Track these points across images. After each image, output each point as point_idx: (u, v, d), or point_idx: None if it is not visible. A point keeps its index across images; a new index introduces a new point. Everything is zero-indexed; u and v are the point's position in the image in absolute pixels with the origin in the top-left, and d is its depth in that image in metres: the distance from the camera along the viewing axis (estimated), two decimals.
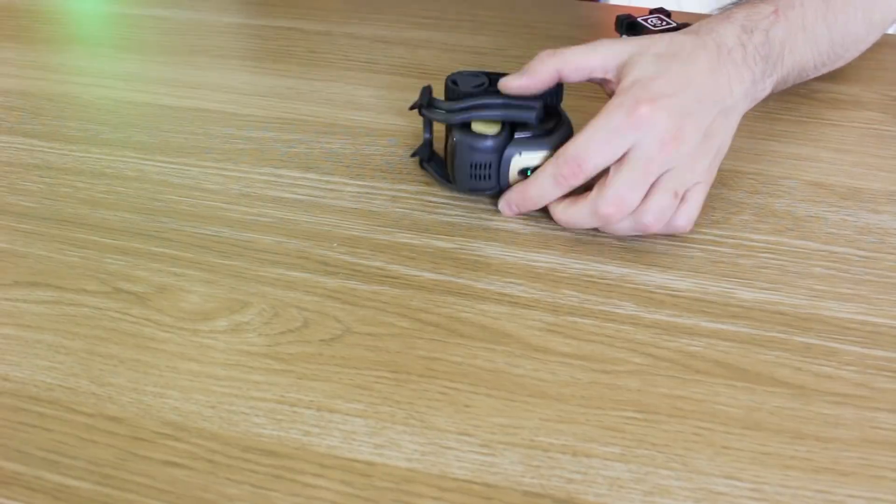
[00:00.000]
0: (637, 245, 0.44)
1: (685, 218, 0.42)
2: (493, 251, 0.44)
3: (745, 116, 0.55)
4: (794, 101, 0.57)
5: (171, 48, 0.65)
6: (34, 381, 0.36)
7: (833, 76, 0.60)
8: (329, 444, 0.34)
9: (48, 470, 0.33)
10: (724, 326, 0.39)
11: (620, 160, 0.41)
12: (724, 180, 0.49)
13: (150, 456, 0.33)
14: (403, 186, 0.48)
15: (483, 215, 0.46)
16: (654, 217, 0.41)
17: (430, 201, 0.47)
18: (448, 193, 0.48)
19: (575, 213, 0.43)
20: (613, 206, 0.41)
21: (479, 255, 0.43)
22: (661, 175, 0.41)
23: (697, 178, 0.42)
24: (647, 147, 0.40)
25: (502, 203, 0.46)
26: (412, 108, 0.46)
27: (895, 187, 0.49)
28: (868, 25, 0.52)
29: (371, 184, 0.49)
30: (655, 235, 0.44)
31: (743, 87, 0.43)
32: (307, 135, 0.54)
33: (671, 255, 0.43)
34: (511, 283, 0.41)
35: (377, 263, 0.43)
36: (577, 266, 0.43)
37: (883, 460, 0.33)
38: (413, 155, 0.49)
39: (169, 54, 0.64)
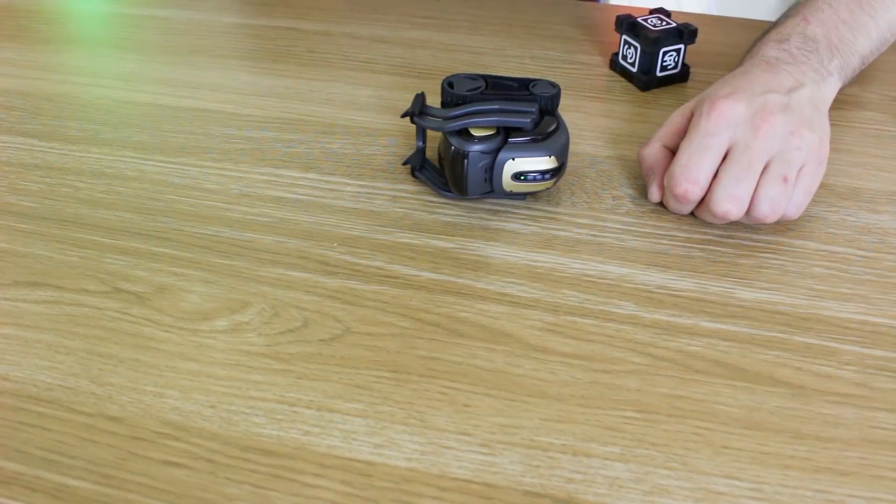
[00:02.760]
0: (637, 245, 0.44)
1: (794, 206, 0.42)
2: (493, 251, 0.44)
3: None
4: None
5: (171, 48, 0.65)
6: (34, 381, 0.36)
7: None
8: (329, 444, 0.34)
9: (48, 470, 0.33)
10: (723, 326, 0.39)
11: (725, 159, 0.42)
12: None
13: (149, 456, 0.33)
14: (403, 186, 0.48)
15: (483, 215, 0.46)
16: (769, 208, 0.41)
17: (431, 201, 0.47)
18: (448, 193, 0.48)
19: (702, 214, 0.44)
20: (727, 203, 0.41)
21: (479, 255, 0.43)
22: (769, 162, 0.41)
23: (805, 158, 0.42)
24: (743, 137, 0.41)
25: (651, 191, 0.45)
26: (404, 115, 0.46)
27: (895, 187, 0.49)
28: None
29: (371, 184, 0.49)
30: (651, 228, 0.44)
31: (808, 77, 0.45)
32: (307, 135, 0.53)
33: (671, 255, 0.43)
34: (511, 283, 0.41)
35: (377, 263, 0.43)
36: (577, 266, 0.43)
37: (883, 460, 0.33)
38: (405, 163, 0.48)
39: (169, 54, 0.64)
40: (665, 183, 0.44)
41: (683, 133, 0.44)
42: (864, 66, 0.53)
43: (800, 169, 0.42)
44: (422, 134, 0.48)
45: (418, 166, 0.48)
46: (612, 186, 0.48)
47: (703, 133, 0.42)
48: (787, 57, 0.46)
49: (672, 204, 0.45)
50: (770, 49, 0.47)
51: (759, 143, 0.41)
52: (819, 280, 0.42)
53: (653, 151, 0.46)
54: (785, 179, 0.41)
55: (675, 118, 0.46)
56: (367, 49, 0.65)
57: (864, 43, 0.51)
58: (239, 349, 0.38)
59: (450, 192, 0.47)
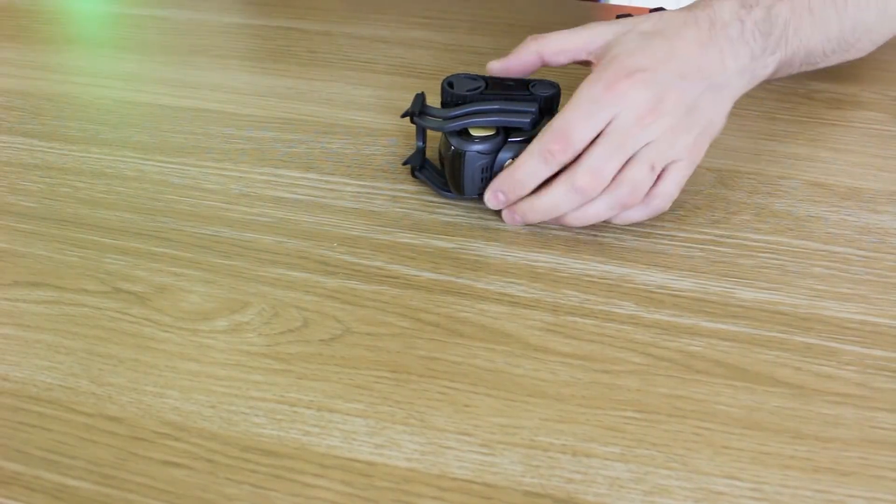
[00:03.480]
0: (637, 245, 0.44)
1: (662, 196, 0.42)
2: (493, 251, 0.44)
3: (746, 116, 0.55)
4: (793, 101, 0.57)
5: (171, 48, 0.65)
6: (34, 381, 0.36)
7: (833, 76, 0.60)
8: (329, 444, 0.34)
9: (48, 470, 0.33)
10: (724, 326, 0.39)
11: (600, 134, 0.40)
12: (724, 180, 0.49)
13: (149, 456, 0.33)
14: (404, 186, 0.48)
15: (483, 215, 0.46)
16: (629, 189, 0.40)
17: (431, 201, 0.47)
18: (448, 193, 0.48)
19: (554, 194, 0.42)
20: (589, 175, 0.40)
21: (479, 255, 0.43)
22: (640, 149, 0.40)
23: (678, 154, 0.41)
24: (625, 120, 0.40)
25: (488, 194, 0.44)
26: (404, 115, 0.46)
27: (895, 187, 0.49)
28: (881, 16, 0.51)
29: (371, 184, 0.49)
30: (651, 228, 0.44)
31: (739, 63, 0.43)
32: (307, 135, 0.53)
33: (671, 255, 0.43)
34: (511, 282, 0.41)
35: (377, 263, 0.43)
36: (578, 266, 0.43)
37: (883, 460, 0.33)
38: (405, 163, 0.48)
39: (169, 54, 0.64)
40: (540, 136, 0.42)
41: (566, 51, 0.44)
42: (811, 67, 0.50)
43: (672, 162, 0.41)
44: (422, 134, 0.48)
45: (418, 166, 0.48)
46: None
47: (594, 100, 0.40)
48: (736, 29, 0.43)
49: (533, 164, 0.42)
50: (729, 8, 0.43)
51: (638, 130, 0.40)
52: (819, 280, 0.42)
53: (528, 52, 0.45)
54: (652, 168, 0.40)
55: (575, 41, 0.44)
56: (367, 49, 0.65)
57: (817, 40, 0.47)
58: (239, 349, 0.38)
59: (449, 191, 0.47)
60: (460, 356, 0.37)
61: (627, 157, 0.40)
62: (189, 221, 0.46)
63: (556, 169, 0.42)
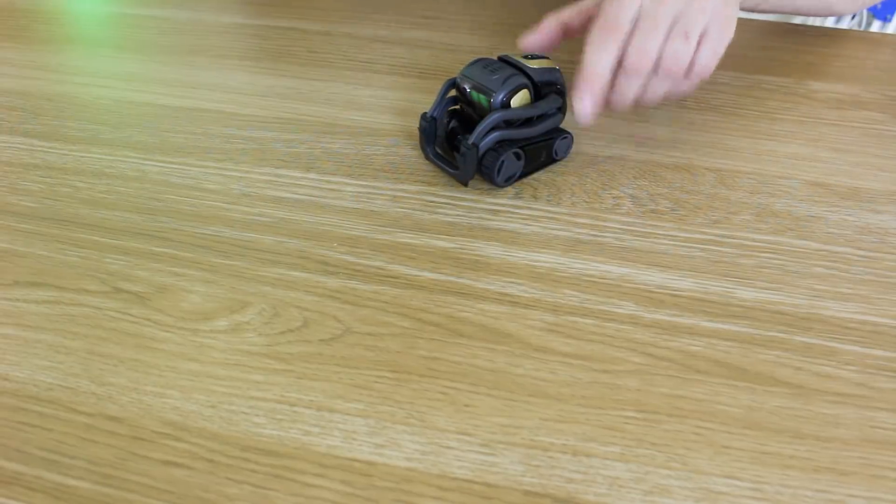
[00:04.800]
0: (637, 245, 0.44)
1: (700, 65, 0.46)
2: (493, 251, 0.44)
3: (746, 116, 0.55)
4: (793, 101, 0.57)
5: (170, 48, 0.65)
6: (34, 380, 0.36)
7: (833, 76, 0.60)
8: (329, 444, 0.34)
9: (48, 470, 0.33)
10: (724, 326, 0.39)
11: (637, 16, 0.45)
12: (724, 180, 0.49)
13: (150, 456, 0.33)
14: (404, 186, 0.48)
15: (484, 215, 0.46)
16: (672, 60, 0.45)
17: (431, 201, 0.47)
18: (449, 193, 0.48)
19: (618, 85, 0.46)
20: (634, 55, 0.45)
21: (479, 255, 0.43)
22: (672, 25, 0.45)
23: (706, 21, 0.45)
24: (649, 3, 0.45)
25: (577, 104, 0.46)
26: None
27: (895, 187, 0.49)
28: None
29: (372, 184, 0.49)
30: (651, 228, 0.44)
31: None
32: (308, 135, 0.54)
33: (671, 255, 0.43)
34: (511, 282, 0.41)
35: (377, 263, 0.43)
36: (578, 266, 0.43)
37: (883, 460, 0.33)
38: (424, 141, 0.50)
39: (169, 54, 0.64)
40: (591, 31, 0.46)
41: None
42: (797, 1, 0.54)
43: (704, 29, 0.45)
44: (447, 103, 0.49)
45: (432, 147, 0.50)
46: (612, 186, 0.48)
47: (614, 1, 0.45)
48: None
49: (594, 55, 0.46)
50: None
51: (665, 8, 0.45)
52: (819, 280, 0.42)
53: (549, 23, 0.50)
54: (686, 35, 0.45)
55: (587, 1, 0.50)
56: (368, 49, 0.65)
57: None
58: (239, 349, 0.38)
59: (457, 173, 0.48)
60: (461, 356, 0.37)
61: (665, 31, 0.45)
62: (190, 221, 0.46)
63: (615, 53, 0.45)
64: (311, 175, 0.50)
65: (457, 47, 0.65)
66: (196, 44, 0.66)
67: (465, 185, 0.48)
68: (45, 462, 0.33)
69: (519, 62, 0.46)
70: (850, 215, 0.46)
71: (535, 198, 0.47)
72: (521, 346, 0.38)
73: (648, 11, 0.45)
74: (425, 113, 0.48)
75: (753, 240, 0.44)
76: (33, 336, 0.39)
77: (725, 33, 0.46)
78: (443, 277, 0.42)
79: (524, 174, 0.49)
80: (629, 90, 0.46)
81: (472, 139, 0.45)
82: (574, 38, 0.50)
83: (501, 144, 0.46)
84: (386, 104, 0.57)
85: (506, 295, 0.41)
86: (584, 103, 0.46)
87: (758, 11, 0.57)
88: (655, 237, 0.44)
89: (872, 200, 0.47)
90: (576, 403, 0.35)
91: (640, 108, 0.50)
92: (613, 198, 0.48)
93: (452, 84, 0.48)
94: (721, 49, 0.47)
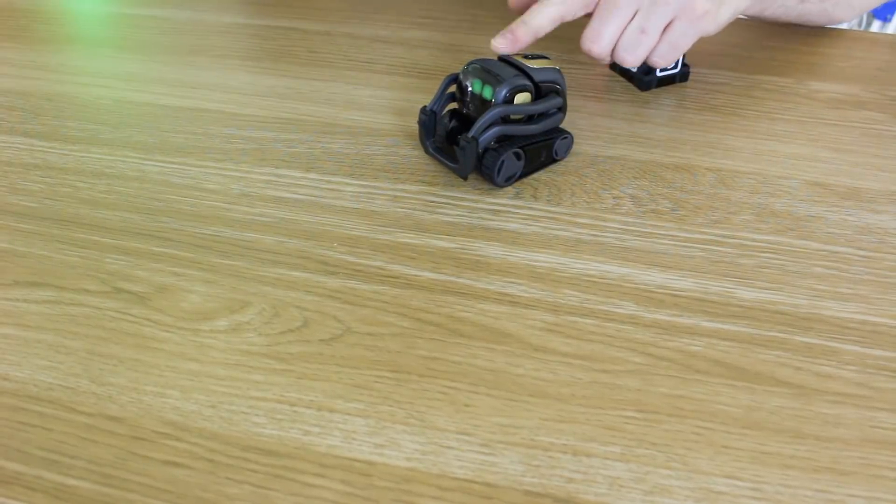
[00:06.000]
0: (637, 245, 0.44)
1: (658, 54, 0.49)
2: (493, 251, 0.44)
3: (746, 116, 0.55)
4: (793, 101, 0.57)
5: (171, 48, 0.65)
6: (34, 380, 0.36)
7: (833, 76, 0.60)
8: (329, 444, 0.34)
9: (48, 470, 0.33)
10: (724, 326, 0.39)
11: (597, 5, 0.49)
12: (724, 180, 0.49)
13: (150, 456, 0.33)
14: (404, 186, 0.48)
15: (484, 215, 0.46)
16: (625, 48, 0.48)
17: (431, 201, 0.47)
18: (449, 193, 0.48)
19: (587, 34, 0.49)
20: (589, 41, 0.48)
21: (479, 255, 0.43)
22: (634, 15, 0.48)
23: (672, 12, 0.47)
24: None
25: (499, 38, 0.49)
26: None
27: (895, 187, 0.49)
28: None
29: (372, 184, 0.49)
30: (651, 228, 0.44)
31: None
32: (308, 135, 0.54)
33: (671, 255, 0.43)
34: (511, 282, 0.41)
35: (377, 263, 0.43)
36: (578, 266, 0.43)
37: (883, 460, 0.33)
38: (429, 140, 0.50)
39: (169, 54, 0.64)
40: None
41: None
42: (800, 6, 0.56)
43: (669, 23, 0.47)
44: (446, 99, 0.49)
45: (432, 141, 0.50)
46: (612, 186, 0.48)
47: None
48: None
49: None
50: None
51: None
52: (819, 280, 0.42)
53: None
54: (643, 31, 0.47)
55: None
56: (368, 49, 0.65)
57: None
58: (239, 349, 0.38)
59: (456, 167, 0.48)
60: (461, 356, 0.37)
61: (624, 19, 0.48)
62: (190, 221, 0.46)
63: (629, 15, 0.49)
64: (311, 175, 0.50)
65: (457, 47, 0.65)
66: (196, 44, 0.66)
67: (465, 178, 0.48)
68: (45, 462, 0.33)
69: (519, 62, 0.47)
70: (850, 215, 0.46)
71: (535, 198, 0.47)
72: (521, 346, 0.38)
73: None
74: (425, 107, 0.49)
75: (753, 240, 0.44)
76: (33, 336, 0.39)
77: (692, 29, 0.48)
78: (443, 277, 0.42)
79: (524, 174, 0.49)
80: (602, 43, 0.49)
81: (472, 132, 0.45)
82: (572, 40, 0.51)
83: (502, 144, 0.46)
84: (386, 104, 0.57)
85: (506, 295, 0.41)
86: (507, 43, 0.48)
87: (760, 20, 0.57)
88: (655, 237, 0.44)
89: (872, 200, 0.47)
90: (576, 403, 0.35)
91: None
92: (613, 198, 0.48)
93: (454, 79, 0.48)
94: (685, 46, 0.49)
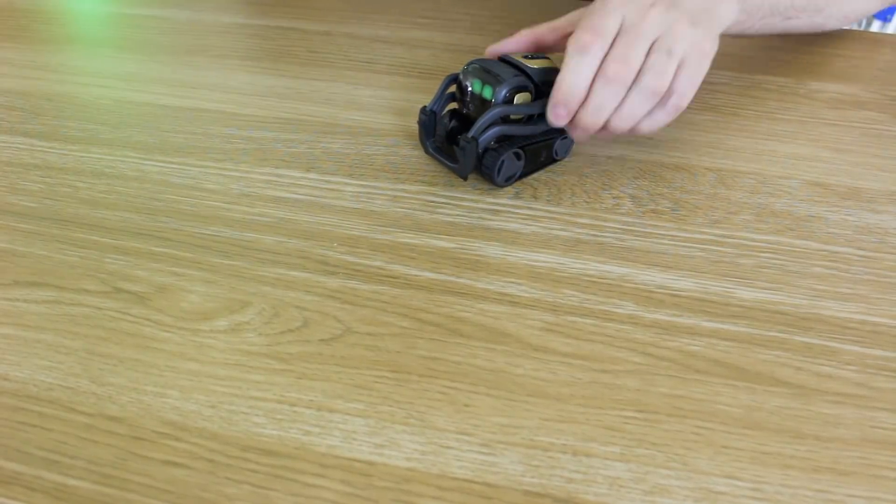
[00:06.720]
0: (637, 245, 0.44)
1: (678, 93, 0.45)
2: (493, 251, 0.44)
3: (746, 116, 0.55)
4: (793, 101, 0.57)
5: (170, 48, 0.65)
6: (34, 380, 0.36)
7: (833, 76, 0.60)
8: (329, 444, 0.34)
9: (48, 469, 0.33)
10: (724, 326, 0.39)
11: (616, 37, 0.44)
12: (724, 180, 0.49)
13: (149, 456, 0.33)
14: (404, 186, 0.48)
15: (484, 215, 0.46)
16: (654, 74, 0.44)
17: (431, 201, 0.47)
18: (449, 193, 0.48)
19: (595, 92, 0.44)
20: (616, 63, 0.43)
21: (479, 255, 0.43)
22: (655, 40, 0.44)
23: (688, 47, 0.44)
24: (634, 16, 0.44)
25: (550, 113, 0.45)
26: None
27: (895, 187, 0.49)
28: None
29: (372, 184, 0.49)
30: (651, 228, 0.44)
31: None
32: (307, 135, 0.54)
33: (671, 255, 0.43)
34: (511, 282, 0.41)
35: (377, 263, 0.43)
36: (578, 266, 0.43)
37: (883, 460, 0.33)
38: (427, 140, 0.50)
39: (169, 54, 0.64)
40: (570, 44, 0.45)
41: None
42: (786, 22, 0.53)
43: (684, 56, 0.44)
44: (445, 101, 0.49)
45: (432, 140, 0.50)
46: (612, 186, 0.48)
47: (600, 6, 0.45)
48: None
49: (573, 61, 0.44)
50: None
51: (649, 21, 0.44)
52: (819, 280, 0.42)
53: (523, 35, 0.50)
54: (669, 51, 0.44)
55: (564, 19, 0.49)
56: (368, 49, 0.65)
57: None
58: (239, 349, 0.38)
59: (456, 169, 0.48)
60: (460, 356, 0.37)
61: (646, 47, 0.44)
62: (189, 221, 0.46)
63: (596, 60, 0.44)
64: (311, 175, 0.50)
65: (457, 47, 0.65)
66: (196, 44, 0.66)
67: (465, 179, 0.48)
68: (45, 462, 0.33)
69: (519, 62, 0.46)
70: (850, 215, 0.46)
71: (535, 198, 0.47)
72: (521, 346, 0.38)
73: (632, 24, 0.44)
74: (424, 107, 0.49)
75: (753, 240, 0.44)
76: (33, 336, 0.39)
77: (702, 66, 0.45)
78: (443, 277, 0.42)
79: (524, 174, 0.49)
80: (606, 100, 0.44)
81: (471, 132, 0.45)
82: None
83: (502, 143, 0.46)
84: (386, 104, 0.57)
85: (506, 295, 0.41)
86: (559, 112, 0.45)
87: (744, 37, 0.56)
88: (655, 237, 0.44)
89: (872, 200, 0.47)
90: (576, 403, 0.35)
91: (622, 138, 0.50)
92: (613, 198, 0.48)
93: (454, 79, 0.48)
94: (698, 80, 0.45)
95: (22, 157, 0.52)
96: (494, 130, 0.45)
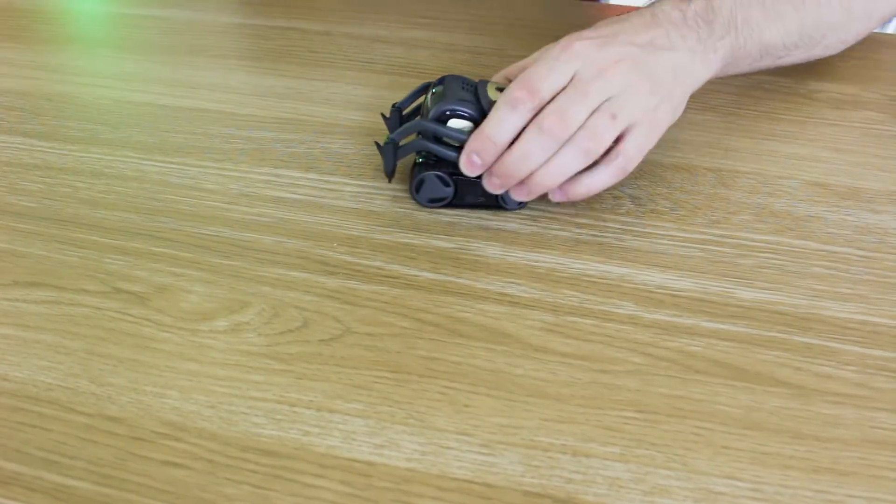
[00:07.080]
0: (637, 245, 0.44)
1: (624, 154, 0.42)
2: (493, 251, 0.44)
3: (745, 116, 0.55)
4: (794, 101, 0.57)
5: (170, 48, 0.65)
6: (34, 381, 0.36)
7: (833, 76, 0.60)
8: (329, 444, 0.34)
9: (48, 470, 0.33)
10: (723, 326, 0.39)
11: (566, 86, 0.42)
12: (724, 180, 0.49)
13: (149, 456, 0.33)
14: (404, 186, 0.48)
15: (483, 215, 0.46)
16: (591, 134, 0.41)
17: None
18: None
19: (523, 140, 0.41)
20: (554, 116, 0.40)
21: (479, 255, 0.43)
22: (603, 102, 0.41)
23: (639, 114, 0.42)
24: (587, 72, 0.42)
25: (463, 159, 0.42)
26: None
27: (895, 187, 0.49)
28: (847, 15, 0.52)
29: (371, 184, 0.49)
30: (651, 228, 0.44)
31: (687, 44, 0.45)
32: (307, 135, 0.53)
33: (671, 255, 0.43)
34: (511, 283, 0.41)
35: (377, 263, 0.43)
36: (577, 266, 0.43)
37: (883, 460, 0.33)
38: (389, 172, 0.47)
39: (168, 54, 0.64)
40: (506, 90, 0.42)
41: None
42: (778, 60, 0.51)
43: (632, 123, 0.42)
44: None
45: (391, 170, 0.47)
46: (612, 186, 0.48)
47: (553, 58, 0.42)
48: (678, 17, 0.45)
49: (500, 113, 0.42)
50: (669, 3, 0.46)
51: (601, 82, 0.41)
52: (819, 280, 0.42)
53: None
54: (613, 116, 0.41)
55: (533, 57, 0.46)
56: (367, 49, 0.65)
57: (774, 33, 0.48)
58: (239, 349, 0.38)
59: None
60: (460, 356, 0.37)
61: (591, 107, 0.41)
62: (189, 221, 0.46)
63: (523, 119, 0.41)
64: (311, 175, 0.50)
65: (457, 47, 0.65)
66: (195, 44, 0.66)
67: (389, 180, 0.47)
68: (44, 462, 0.33)
69: (485, 91, 0.44)
70: (849, 215, 0.46)
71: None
72: (521, 346, 0.38)
73: (582, 80, 0.41)
74: (395, 103, 0.48)
75: (753, 240, 0.44)
76: (33, 336, 0.39)
77: (651, 136, 0.43)
78: (442, 277, 0.42)
79: (459, 205, 0.46)
80: (534, 151, 0.41)
81: (394, 133, 0.45)
82: None
83: (437, 163, 0.45)
84: (385, 104, 0.57)
85: (505, 295, 0.41)
86: (472, 160, 0.42)
87: (736, 74, 0.52)
88: (655, 237, 0.44)
89: (872, 200, 0.47)
90: (575, 403, 0.35)
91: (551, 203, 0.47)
92: (613, 198, 0.48)
93: (427, 87, 0.47)
94: (646, 147, 0.43)
95: (21, 157, 0.52)
96: (417, 142, 0.44)
